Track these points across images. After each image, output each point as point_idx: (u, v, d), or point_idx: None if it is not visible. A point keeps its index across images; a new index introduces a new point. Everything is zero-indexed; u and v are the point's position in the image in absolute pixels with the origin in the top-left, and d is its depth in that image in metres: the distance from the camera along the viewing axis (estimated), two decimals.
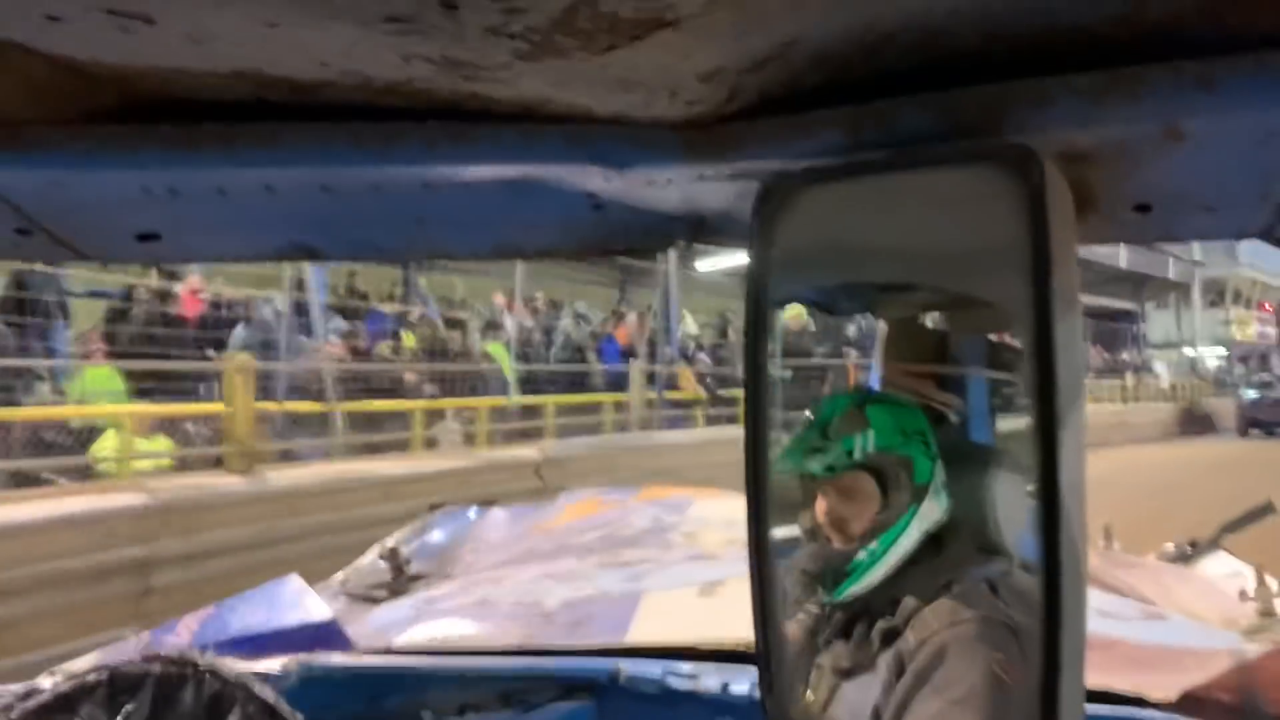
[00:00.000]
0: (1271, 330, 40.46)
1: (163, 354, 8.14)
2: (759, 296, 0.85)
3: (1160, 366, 33.68)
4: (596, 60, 0.69)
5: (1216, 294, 39.81)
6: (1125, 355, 31.92)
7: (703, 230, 0.94)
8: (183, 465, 7.66)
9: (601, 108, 0.78)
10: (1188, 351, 37.72)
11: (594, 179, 0.83)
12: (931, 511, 1.31)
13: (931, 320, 1.41)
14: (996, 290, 0.82)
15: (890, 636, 1.32)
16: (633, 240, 0.97)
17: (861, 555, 1.30)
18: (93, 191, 0.88)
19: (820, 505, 1.32)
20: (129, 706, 1.10)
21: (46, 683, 1.22)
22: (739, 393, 12.38)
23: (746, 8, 0.64)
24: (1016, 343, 1.23)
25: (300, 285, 9.68)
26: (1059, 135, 0.72)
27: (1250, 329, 41.11)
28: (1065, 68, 0.69)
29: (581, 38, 0.66)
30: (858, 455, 1.29)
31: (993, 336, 1.33)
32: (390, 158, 0.81)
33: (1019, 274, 0.71)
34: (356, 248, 1.06)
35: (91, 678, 1.13)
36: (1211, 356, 39.69)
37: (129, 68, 0.74)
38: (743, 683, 1.75)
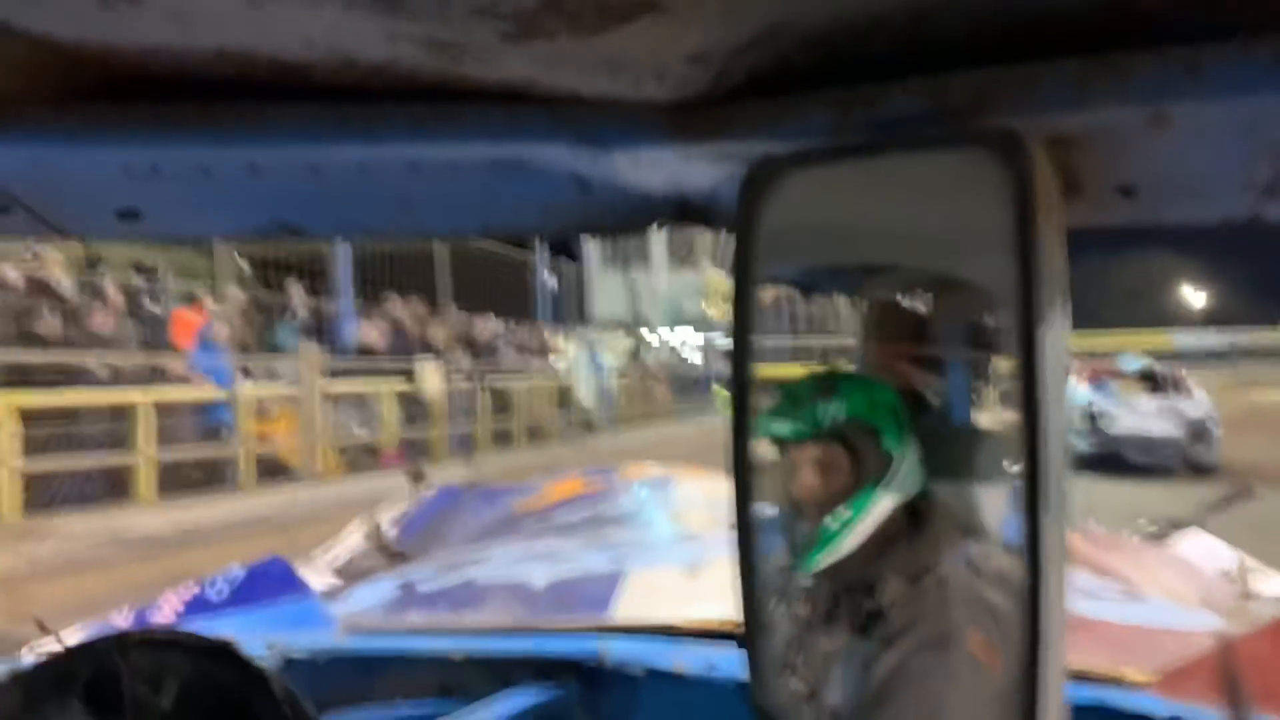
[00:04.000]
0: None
1: None
2: (744, 278, 0.85)
3: (563, 361, 19.56)
4: (583, 42, 0.69)
5: (689, 248, 26.32)
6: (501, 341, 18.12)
7: (688, 212, 0.94)
8: None
9: (588, 89, 0.78)
10: (653, 335, 25.83)
11: (580, 160, 0.83)
12: (902, 485, 1.32)
13: (914, 302, 1.41)
14: (982, 272, 0.82)
15: (873, 618, 1.33)
16: (618, 221, 0.96)
17: (829, 522, 1.31)
18: (74, 169, 0.87)
19: (795, 477, 1.32)
20: (120, 682, 1.09)
21: (29, 659, 1.22)
22: None
23: None
24: (999, 325, 1.24)
25: None
26: (1045, 119, 0.72)
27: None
28: (1053, 53, 0.70)
29: (569, 19, 0.66)
30: (825, 422, 1.29)
31: (976, 319, 1.34)
32: (376, 138, 0.81)
33: (1004, 256, 0.71)
34: (341, 227, 1.06)
35: (82, 654, 1.13)
36: (690, 345, 27.50)
37: (111, 46, 0.74)
38: (727, 663, 1.75)
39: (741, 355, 0.88)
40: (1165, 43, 0.67)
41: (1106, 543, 2.96)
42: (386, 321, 14.54)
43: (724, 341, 28.06)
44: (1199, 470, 14.31)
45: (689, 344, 27.86)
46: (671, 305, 26.70)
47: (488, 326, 17.10)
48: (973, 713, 1.22)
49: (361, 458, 12.88)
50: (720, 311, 26.14)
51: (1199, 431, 15.07)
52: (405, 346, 14.20)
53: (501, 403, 16.06)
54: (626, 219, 0.95)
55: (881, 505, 1.31)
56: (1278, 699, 1.50)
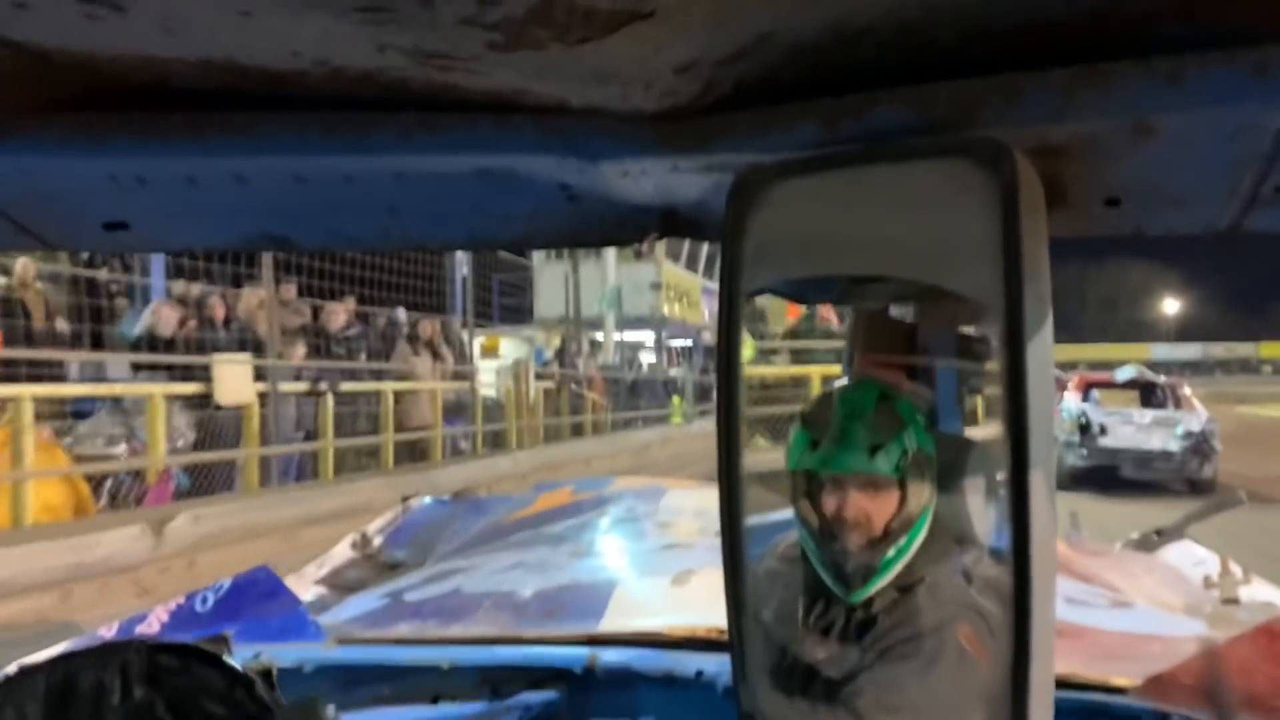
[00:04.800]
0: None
1: None
2: (732, 288, 0.85)
3: (499, 363, 16.28)
4: (571, 52, 0.69)
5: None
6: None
7: (676, 222, 0.94)
8: None
9: (576, 99, 0.78)
10: (602, 337, 22.62)
11: (568, 170, 0.83)
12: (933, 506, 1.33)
13: (901, 312, 1.42)
14: (968, 282, 0.83)
15: (865, 626, 1.33)
16: (606, 231, 0.97)
17: (890, 552, 1.30)
18: (60, 180, 0.87)
19: (839, 501, 1.31)
20: (111, 689, 1.09)
21: (11, 668, 1.21)
22: None
23: (722, 1, 0.64)
24: (986, 334, 1.24)
25: None
26: (1031, 129, 0.73)
27: (696, 301, 25.14)
28: (1038, 63, 0.70)
29: (556, 29, 0.66)
30: (910, 456, 1.29)
31: (963, 328, 1.34)
32: (363, 148, 0.81)
33: (991, 266, 0.72)
34: (328, 238, 1.06)
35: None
36: (644, 346, 24.81)
37: (98, 56, 0.73)
38: (716, 671, 1.75)
39: (729, 364, 0.88)
40: (1149, 53, 0.68)
41: (1093, 551, 2.97)
42: (188, 305, 9.89)
43: (679, 342, 25.27)
44: (1198, 487, 13.24)
45: (644, 345, 24.85)
46: (621, 302, 22.96)
47: (342, 314, 11.73)
48: (955, 708, 1.22)
49: (127, 491, 8.65)
50: (678, 310, 24.54)
51: (1198, 446, 13.89)
52: (217, 340, 9.61)
53: (378, 413, 11.70)
54: (615, 229, 0.96)
55: (927, 528, 1.32)
56: (1261, 704, 1.51)
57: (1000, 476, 0.77)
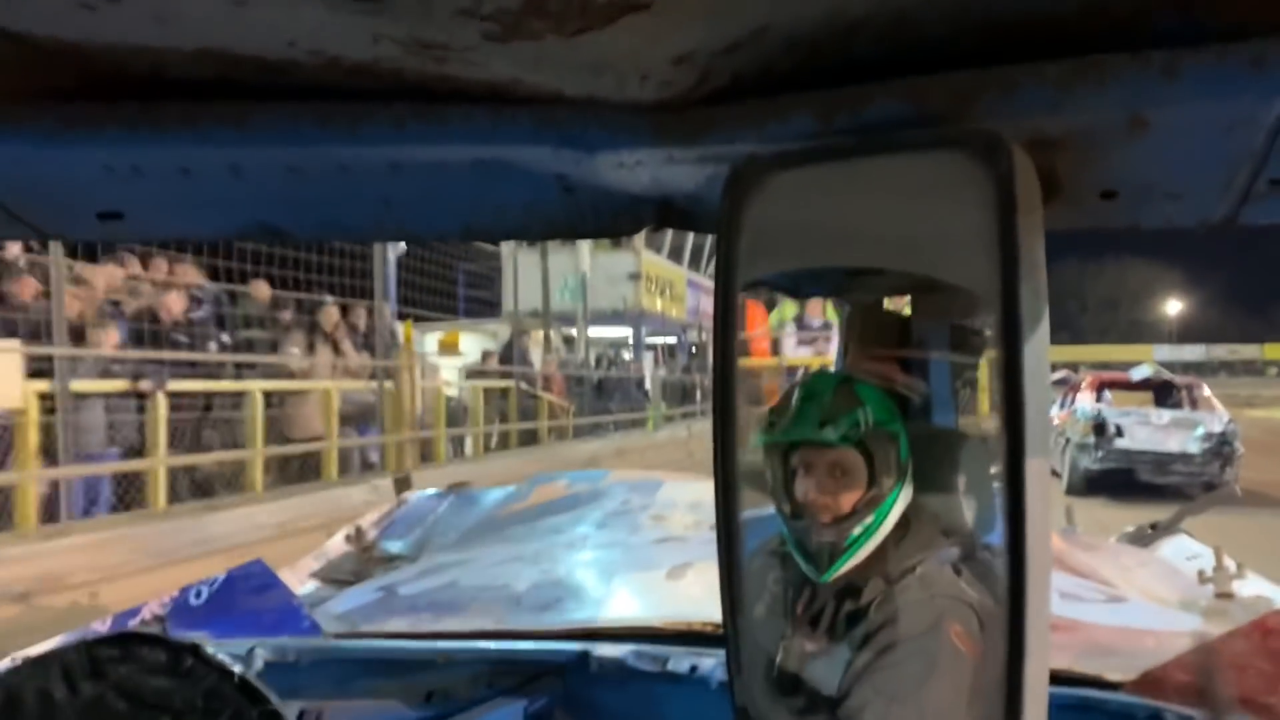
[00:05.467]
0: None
1: None
2: (727, 280, 0.85)
3: (451, 363, 14.61)
4: (568, 43, 0.69)
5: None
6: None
7: (671, 214, 0.94)
8: None
9: (572, 90, 0.78)
10: (581, 332, 20.94)
11: (564, 161, 0.83)
12: (908, 491, 1.33)
13: (895, 305, 1.42)
14: (965, 275, 0.83)
15: (856, 618, 1.33)
16: (601, 223, 0.96)
17: (856, 531, 1.31)
18: (54, 169, 0.86)
19: (806, 483, 1.32)
20: (96, 681, 1.09)
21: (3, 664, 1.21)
22: None
23: None
24: (981, 326, 1.25)
25: None
26: (1027, 122, 0.73)
27: (681, 294, 23.71)
28: (1034, 56, 0.70)
29: (553, 20, 0.66)
30: (862, 429, 1.30)
31: (958, 321, 1.35)
32: (358, 138, 0.81)
33: (987, 258, 0.72)
34: (323, 228, 1.05)
35: (61, 653, 1.12)
36: (627, 343, 23.24)
37: (91, 45, 0.73)
38: (710, 664, 1.76)
39: (725, 358, 0.88)
40: (1144, 46, 0.68)
41: (1088, 545, 2.97)
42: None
43: (661, 339, 24.15)
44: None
45: (626, 342, 23.38)
46: (586, 293, 21.45)
47: (178, 297, 8.80)
48: (951, 710, 1.22)
49: None
50: (660, 304, 23.05)
51: (1219, 448, 13.32)
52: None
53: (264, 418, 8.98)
54: (610, 221, 0.95)
55: (897, 513, 1.32)
56: (1255, 699, 1.52)
57: (994, 469, 0.77)
